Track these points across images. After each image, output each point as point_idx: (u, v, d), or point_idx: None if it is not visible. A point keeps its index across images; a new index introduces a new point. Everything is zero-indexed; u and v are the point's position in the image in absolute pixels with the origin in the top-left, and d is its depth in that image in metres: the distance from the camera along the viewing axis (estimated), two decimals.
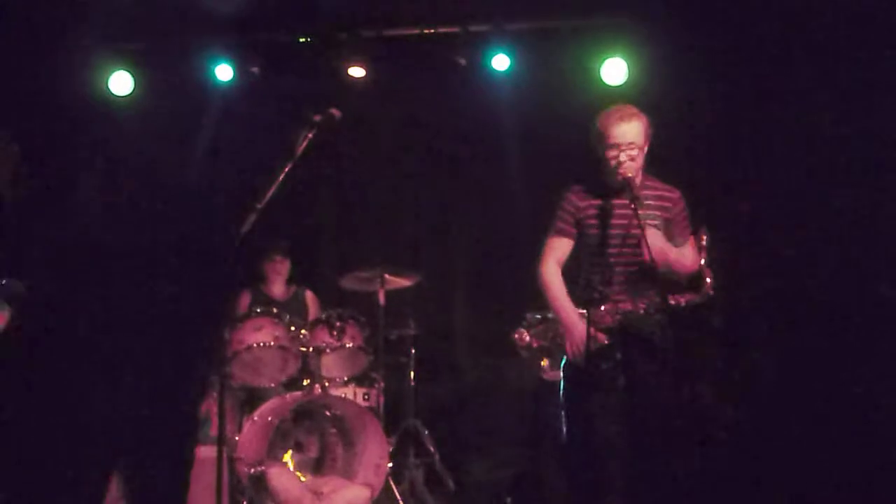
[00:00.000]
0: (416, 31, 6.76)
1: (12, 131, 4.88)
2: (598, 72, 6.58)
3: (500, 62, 6.71)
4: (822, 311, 5.75)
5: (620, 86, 6.55)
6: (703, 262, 4.54)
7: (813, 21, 5.90)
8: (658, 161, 4.62)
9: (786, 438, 5.61)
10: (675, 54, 6.40)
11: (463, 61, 6.76)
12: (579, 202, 4.58)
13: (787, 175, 6.05)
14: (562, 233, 4.61)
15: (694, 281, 4.54)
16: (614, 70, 6.55)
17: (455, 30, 6.71)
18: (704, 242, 4.56)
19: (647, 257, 4.24)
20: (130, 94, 6.84)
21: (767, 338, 5.95)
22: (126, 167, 6.83)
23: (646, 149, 4.49)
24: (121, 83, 6.80)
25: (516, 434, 6.62)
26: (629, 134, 4.43)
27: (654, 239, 4.34)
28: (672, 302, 4.46)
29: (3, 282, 4.83)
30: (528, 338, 4.77)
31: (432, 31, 6.74)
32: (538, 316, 4.81)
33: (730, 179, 6.28)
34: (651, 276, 4.35)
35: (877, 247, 5.71)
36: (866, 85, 5.78)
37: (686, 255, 4.53)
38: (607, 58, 6.56)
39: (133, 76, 6.82)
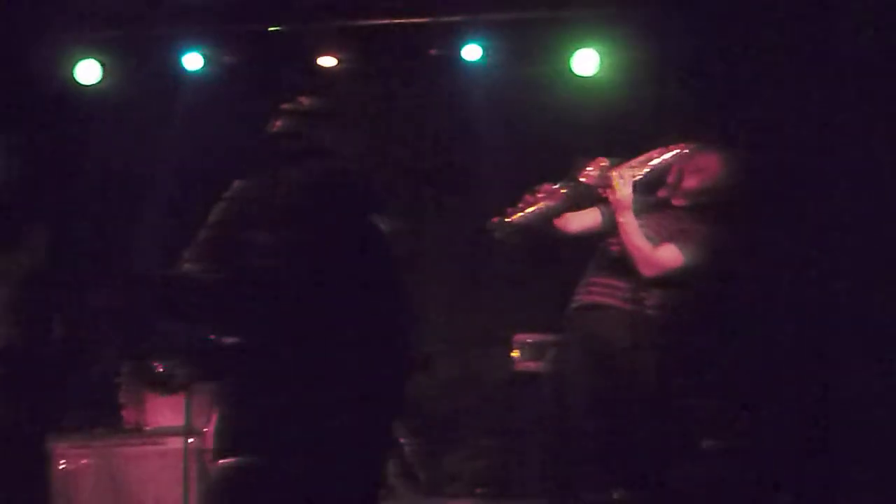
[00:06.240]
0: (388, 21, 6.73)
1: None
2: (570, 63, 6.58)
3: (472, 52, 6.70)
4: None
5: (592, 77, 6.55)
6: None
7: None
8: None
9: None
10: (646, 46, 6.41)
11: (434, 52, 6.76)
12: None
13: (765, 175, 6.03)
14: None
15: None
16: (586, 61, 6.54)
17: (427, 20, 6.69)
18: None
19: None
20: (98, 83, 6.78)
21: None
22: (93, 157, 6.76)
23: None
24: (88, 72, 6.73)
25: (489, 425, 6.61)
26: None
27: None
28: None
29: None
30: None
31: (404, 21, 6.71)
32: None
33: None
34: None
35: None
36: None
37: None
38: (579, 49, 6.56)
39: (101, 65, 6.75)
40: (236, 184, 3.69)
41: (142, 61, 6.85)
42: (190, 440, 5.10)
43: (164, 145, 6.93)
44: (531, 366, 5.41)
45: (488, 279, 6.86)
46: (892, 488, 5.05)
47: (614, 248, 4.49)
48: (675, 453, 4.78)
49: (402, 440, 6.27)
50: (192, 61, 6.79)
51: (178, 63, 6.80)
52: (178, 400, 5.49)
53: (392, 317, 2.97)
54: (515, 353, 5.78)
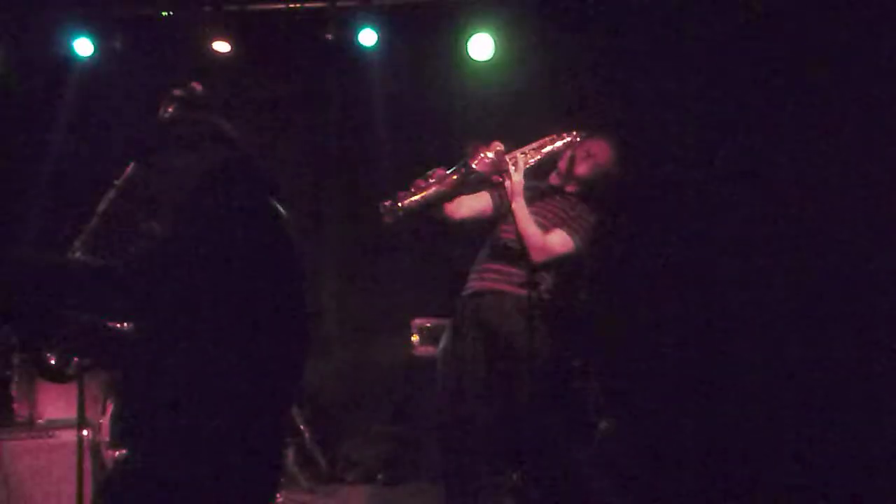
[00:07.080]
0: (283, 6, 6.68)
1: None
2: (465, 47, 6.60)
3: (368, 38, 6.67)
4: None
5: (487, 61, 6.58)
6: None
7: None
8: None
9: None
10: (542, 31, 6.46)
11: (330, 37, 6.71)
12: None
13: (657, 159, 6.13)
14: None
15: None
16: (481, 46, 6.57)
17: (322, 5, 6.65)
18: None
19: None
20: None
21: None
22: None
23: None
24: None
25: (387, 411, 6.63)
26: None
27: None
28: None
29: None
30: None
31: (299, 5, 6.66)
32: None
33: None
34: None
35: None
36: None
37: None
38: (474, 33, 6.58)
39: None
40: (127, 172, 3.65)
41: (30, 46, 6.69)
42: (84, 433, 5.01)
43: (54, 132, 6.79)
44: (429, 350, 5.42)
45: (386, 264, 6.87)
46: (782, 465, 5.19)
47: (506, 235, 4.53)
48: (571, 434, 4.85)
49: (301, 428, 6.26)
50: (82, 47, 6.65)
51: (69, 48, 6.66)
52: (71, 392, 5.38)
53: (290, 303, 2.96)
54: (414, 338, 5.79)
